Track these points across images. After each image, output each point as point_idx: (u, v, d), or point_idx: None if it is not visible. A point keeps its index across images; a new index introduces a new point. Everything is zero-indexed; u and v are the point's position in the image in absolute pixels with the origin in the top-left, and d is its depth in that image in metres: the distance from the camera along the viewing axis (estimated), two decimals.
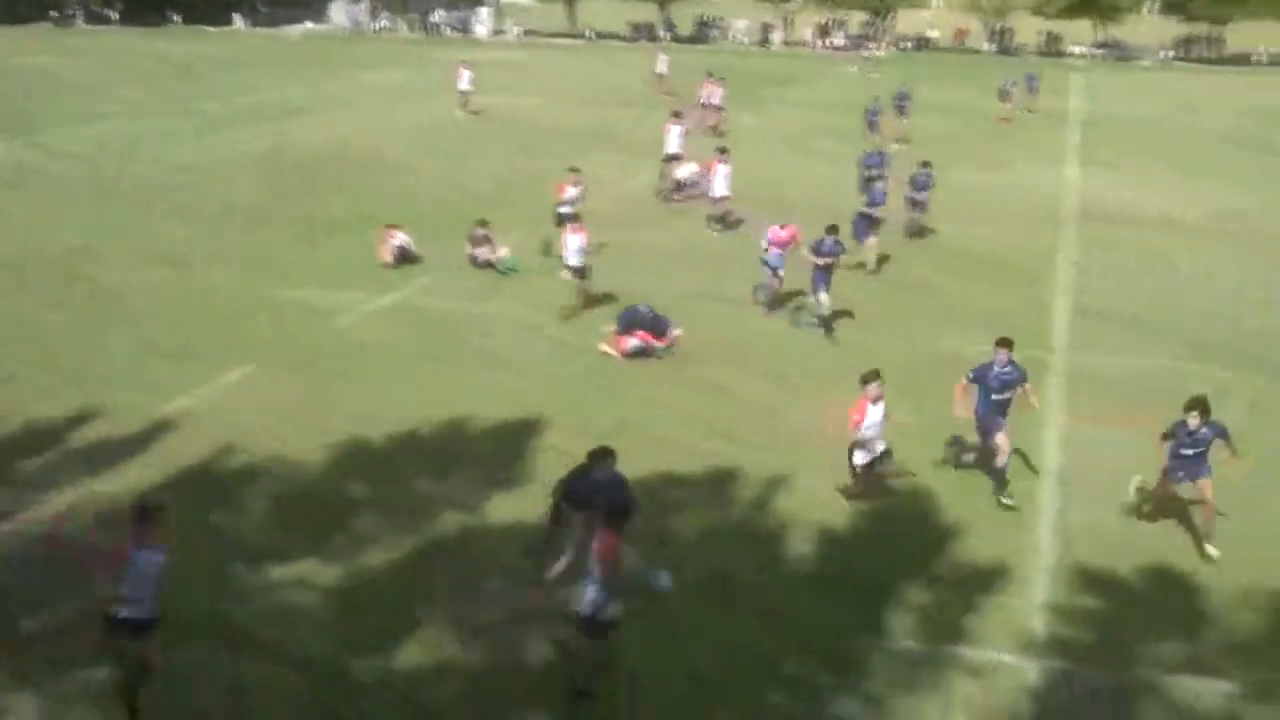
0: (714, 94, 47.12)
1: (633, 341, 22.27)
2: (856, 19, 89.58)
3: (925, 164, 31.76)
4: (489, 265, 27.52)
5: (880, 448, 16.72)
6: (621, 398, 20.48)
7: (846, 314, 24.48)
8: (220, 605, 13.81)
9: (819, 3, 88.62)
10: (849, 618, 12.06)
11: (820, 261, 23.54)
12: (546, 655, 13.06)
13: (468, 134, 46.25)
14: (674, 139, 36.24)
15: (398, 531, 15.67)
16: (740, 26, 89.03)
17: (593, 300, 24.40)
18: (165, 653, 11.60)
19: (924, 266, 29.07)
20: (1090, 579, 15.10)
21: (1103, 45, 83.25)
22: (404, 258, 27.79)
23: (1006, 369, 16.94)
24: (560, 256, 24.94)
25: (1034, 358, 22.20)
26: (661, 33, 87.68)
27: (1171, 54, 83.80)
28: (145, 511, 11.74)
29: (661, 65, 59.83)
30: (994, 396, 16.90)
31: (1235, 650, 13.76)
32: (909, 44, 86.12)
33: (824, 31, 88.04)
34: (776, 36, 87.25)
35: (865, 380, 16.45)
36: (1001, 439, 16.80)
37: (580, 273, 24.50)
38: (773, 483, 17.25)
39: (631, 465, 16.61)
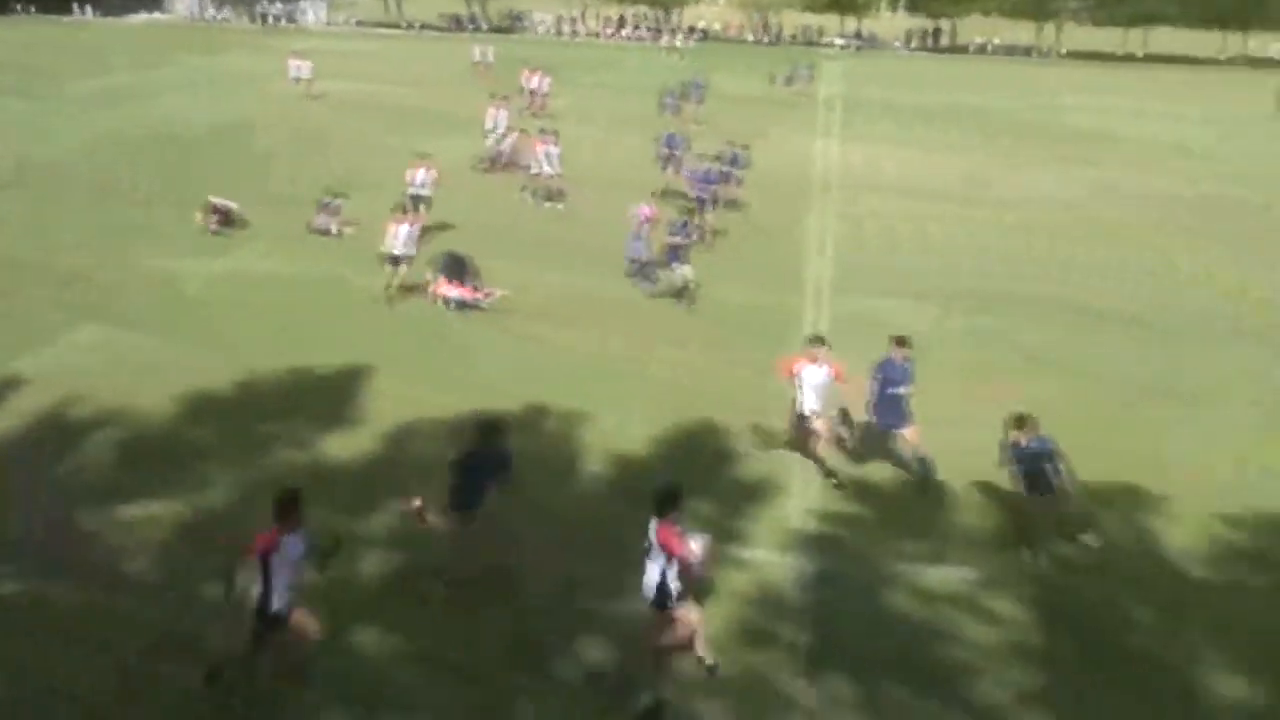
0: (539, 81, 45.63)
1: (454, 291, 21.75)
2: (643, 13, 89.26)
3: (745, 146, 31.31)
4: (327, 233, 26.50)
5: (819, 406, 15.60)
6: (446, 345, 20.12)
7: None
8: (73, 543, 13.21)
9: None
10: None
11: (679, 240, 23.53)
12: (374, 570, 12.88)
13: (306, 116, 44.23)
14: (495, 122, 35.52)
15: (241, 470, 15.14)
16: (543, 19, 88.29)
17: (411, 289, 22.54)
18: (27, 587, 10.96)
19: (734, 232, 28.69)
20: (850, 489, 15.35)
21: (856, 36, 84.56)
22: (227, 223, 26.65)
23: (905, 364, 15.49)
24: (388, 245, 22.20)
25: (793, 304, 23.08)
26: (472, 25, 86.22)
27: (914, 45, 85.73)
28: (291, 497, 10.71)
29: (479, 54, 58.63)
30: (889, 391, 15.43)
31: (971, 543, 14.11)
32: (691, 36, 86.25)
33: (620, 24, 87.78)
34: (578, 29, 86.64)
35: (811, 342, 16.00)
36: (909, 432, 15.57)
37: (397, 261, 21.90)
38: (578, 417, 17.06)
39: (454, 408, 16.48)
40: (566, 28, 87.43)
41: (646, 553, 11.04)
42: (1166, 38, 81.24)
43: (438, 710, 10.90)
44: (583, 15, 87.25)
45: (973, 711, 11.13)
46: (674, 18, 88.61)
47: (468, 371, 18.75)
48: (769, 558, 13.66)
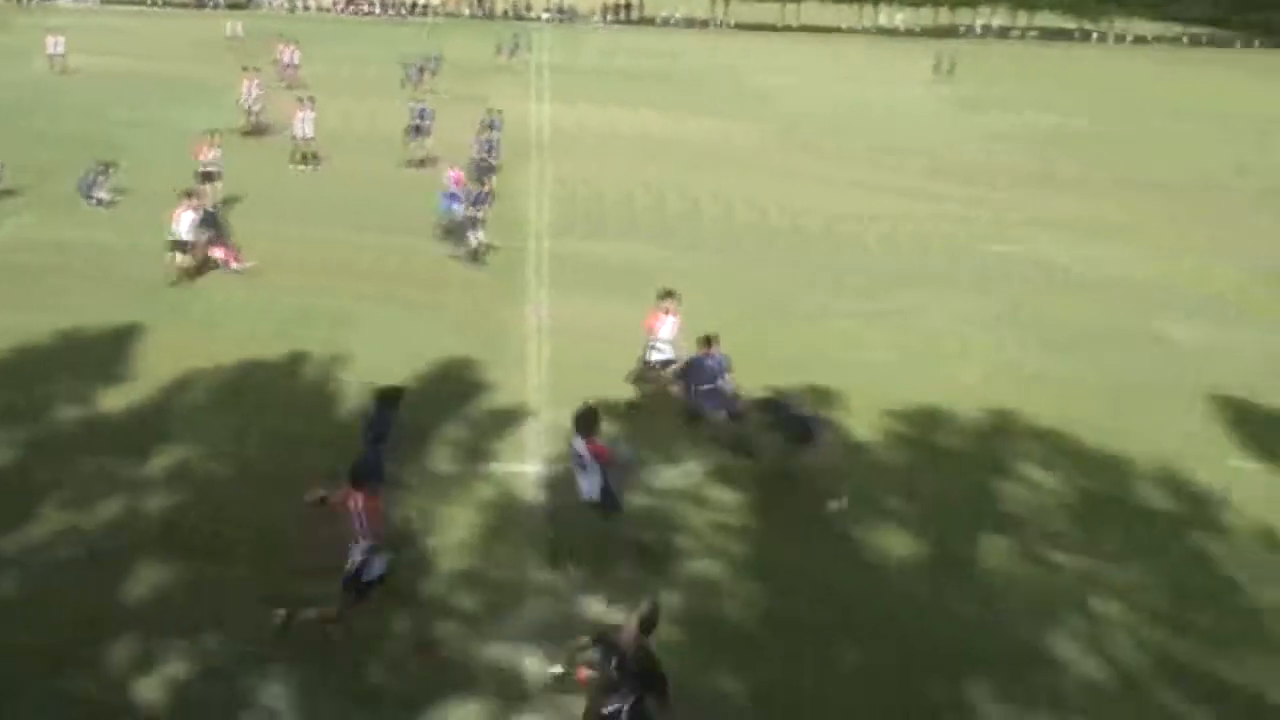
0: (290, 54, 43.05)
1: (217, 252, 20.70)
2: None
3: (497, 111, 30.52)
4: (99, 202, 24.50)
5: (670, 353, 15.22)
6: (211, 303, 19.20)
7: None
8: None
9: None
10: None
11: (475, 212, 22.15)
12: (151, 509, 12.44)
13: (65, 90, 40.53)
14: (249, 92, 33.48)
15: (22, 425, 14.23)
16: None
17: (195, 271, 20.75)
18: None
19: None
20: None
21: (559, 11, 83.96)
22: None
23: (715, 361, 14.52)
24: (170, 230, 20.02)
25: (519, 247, 23.11)
26: (211, 2, 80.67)
27: (609, 18, 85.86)
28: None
29: (231, 29, 55.24)
30: (703, 388, 14.61)
31: (697, 445, 14.53)
32: (405, 11, 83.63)
33: (349, 0, 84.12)
34: (309, 4, 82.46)
35: (661, 296, 15.46)
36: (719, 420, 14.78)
37: (183, 247, 19.90)
38: (337, 360, 16.71)
39: (219, 358, 15.97)
40: (299, 3, 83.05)
41: (582, 468, 11.42)
42: (814, 10, 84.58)
43: None
44: None
45: (692, 583, 11.57)
46: None
47: (234, 325, 17.92)
48: (515, 469, 13.72)
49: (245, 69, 35.04)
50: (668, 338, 15.25)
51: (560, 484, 13.16)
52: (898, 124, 42.20)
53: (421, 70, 44.07)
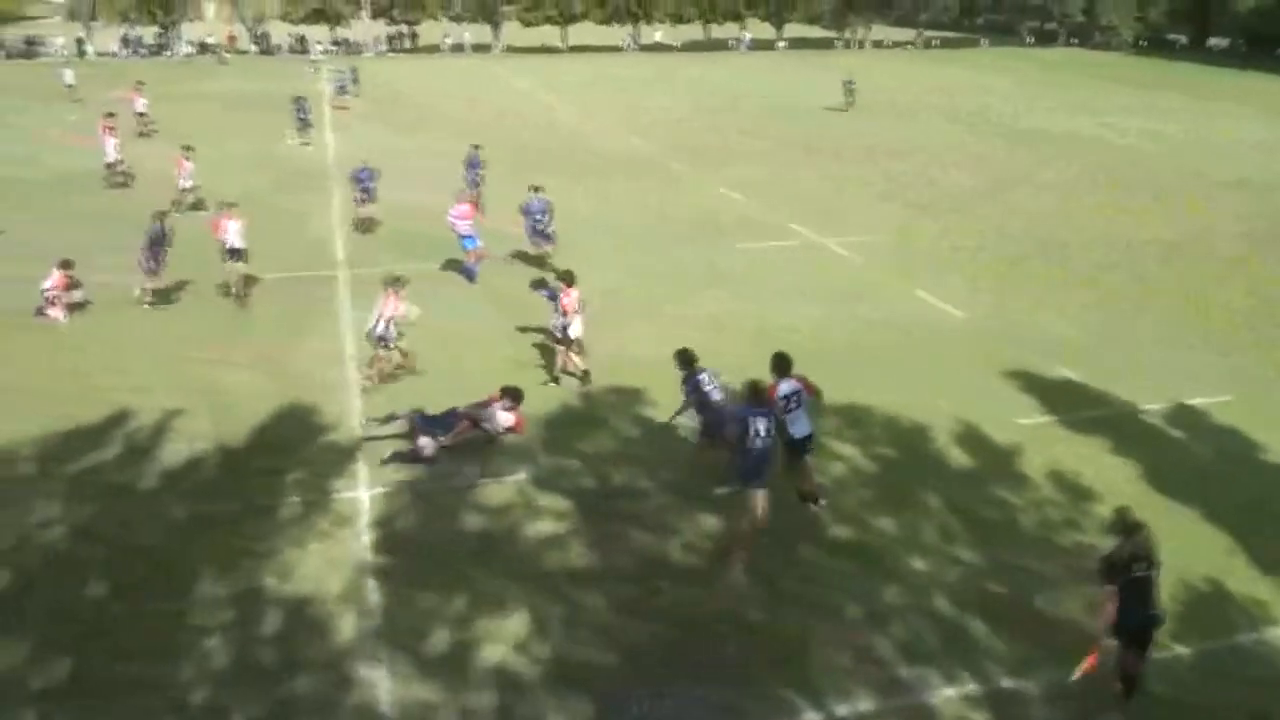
0: (140, 102, 39.84)
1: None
2: (151, 30, 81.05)
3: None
4: None
5: (579, 328, 16.46)
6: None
7: None
8: None
9: (118, 19, 79.49)
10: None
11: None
12: None
13: None
14: (107, 145, 30.42)
15: None
16: (59, 42, 77.85)
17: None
18: None
19: None
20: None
21: (336, 43, 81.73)
22: None
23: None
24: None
25: (326, 275, 22.31)
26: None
27: (385, 47, 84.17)
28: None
29: (70, 77, 51.17)
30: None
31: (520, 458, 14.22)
32: (194, 49, 79.60)
33: (126, 42, 79.33)
34: (89, 48, 77.31)
35: (564, 280, 16.52)
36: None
37: (238, 255, 20.09)
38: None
39: None
40: (89, 48, 77.43)
41: (798, 406, 12.25)
42: (587, 30, 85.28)
43: None
44: (89, 35, 78.03)
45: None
46: (174, 33, 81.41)
47: None
48: (349, 495, 13.15)
49: (111, 115, 31.85)
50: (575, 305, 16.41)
51: (391, 503, 12.71)
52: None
53: (343, 88, 46.17)
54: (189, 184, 27.31)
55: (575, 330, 16.46)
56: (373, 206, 25.87)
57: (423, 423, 14.21)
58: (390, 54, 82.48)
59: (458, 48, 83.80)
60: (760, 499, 11.33)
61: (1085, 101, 54.00)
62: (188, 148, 27.69)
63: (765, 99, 54.47)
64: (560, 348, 16.70)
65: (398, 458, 13.95)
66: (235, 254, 20.20)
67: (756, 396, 11.41)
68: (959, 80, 64.05)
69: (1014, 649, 10.26)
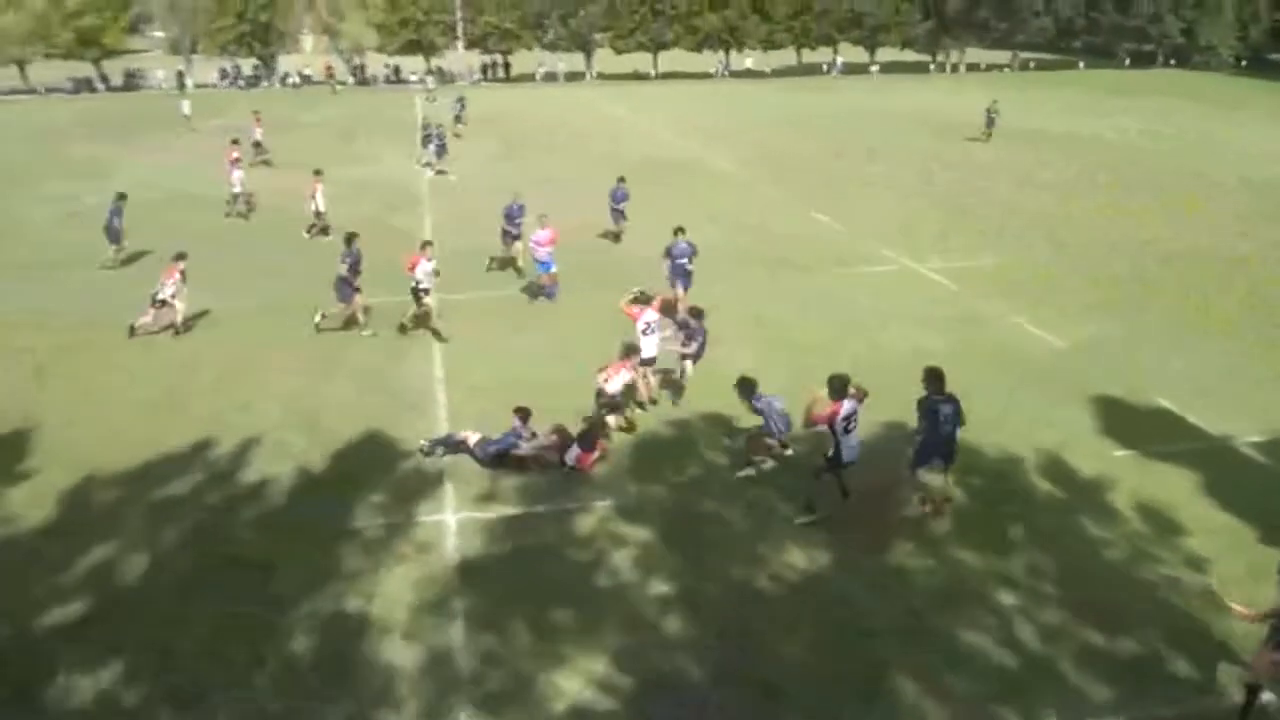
0: (259, 131, 41.25)
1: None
2: (249, 62, 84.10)
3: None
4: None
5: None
6: None
7: None
8: None
9: (218, 52, 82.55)
10: None
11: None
12: None
13: None
14: (235, 176, 30.64)
15: None
16: (160, 75, 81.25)
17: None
18: None
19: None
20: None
21: (431, 73, 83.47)
22: None
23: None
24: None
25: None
26: (103, 84, 78.01)
27: (479, 76, 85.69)
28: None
29: (187, 108, 53.78)
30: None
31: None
32: (298, 79, 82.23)
33: (224, 74, 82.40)
34: (189, 81, 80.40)
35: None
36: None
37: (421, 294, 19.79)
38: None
39: None
40: (189, 81, 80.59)
41: (853, 429, 12.65)
42: (671, 58, 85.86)
43: None
44: (189, 68, 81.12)
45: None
46: (272, 65, 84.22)
47: None
48: (439, 519, 13.34)
49: (235, 142, 32.76)
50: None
51: (475, 529, 12.87)
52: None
53: (459, 117, 47.94)
54: (322, 208, 27.81)
55: (649, 351, 16.45)
56: (519, 245, 24.16)
57: (482, 454, 14.58)
58: (484, 83, 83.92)
59: (550, 76, 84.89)
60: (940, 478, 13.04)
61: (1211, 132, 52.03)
62: (319, 172, 28.45)
63: (882, 123, 54.09)
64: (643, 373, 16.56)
65: (441, 444, 14.80)
66: (422, 293, 19.69)
67: (937, 384, 12.67)
68: (1081, 103, 62.75)
69: (1097, 689, 10.04)
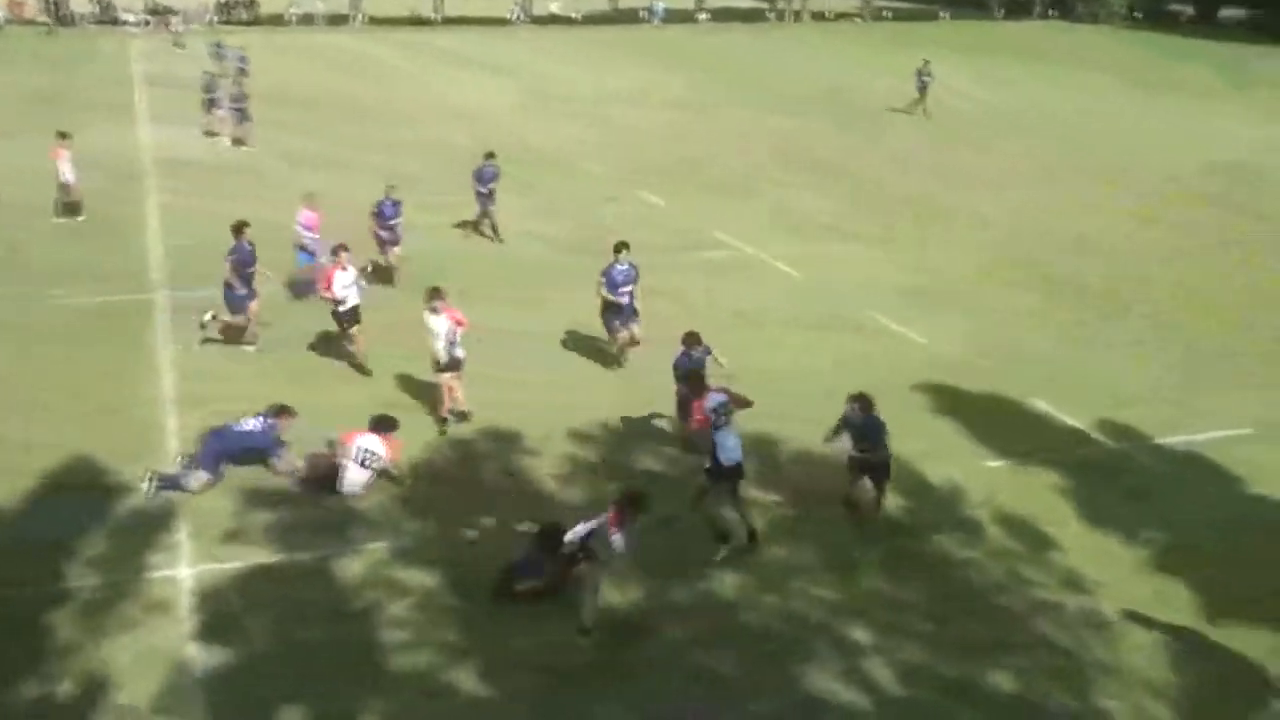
0: None
1: None
2: None
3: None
4: None
5: (355, 301, 18.47)
6: None
7: None
8: None
9: None
10: None
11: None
12: None
13: None
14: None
15: None
16: None
17: None
18: None
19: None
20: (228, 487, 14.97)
21: (155, 11, 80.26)
22: None
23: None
24: None
25: (141, 300, 22.17)
26: None
27: (216, 17, 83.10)
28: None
29: None
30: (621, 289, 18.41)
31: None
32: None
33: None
34: None
35: (335, 251, 18.65)
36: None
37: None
38: None
39: None
40: None
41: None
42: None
43: None
44: None
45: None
46: None
47: None
48: (171, 574, 13.04)
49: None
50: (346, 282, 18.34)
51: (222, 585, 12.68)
52: None
53: (244, 69, 44.48)
54: (72, 179, 27.00)
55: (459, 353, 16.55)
56: (397, 251, 23.40)
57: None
58: (224, 25, 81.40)
59: (307, 19, 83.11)
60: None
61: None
62: (64, 135, 27.33)
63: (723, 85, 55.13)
64: (444, 379, 16.63)
65: (164, 481, 14.64)
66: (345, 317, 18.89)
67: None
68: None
69: None
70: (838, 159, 38.01)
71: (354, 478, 14.69)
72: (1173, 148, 41.36)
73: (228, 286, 19.49)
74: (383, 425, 15.01)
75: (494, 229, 26.89)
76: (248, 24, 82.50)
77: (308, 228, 22.18)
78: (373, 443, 14.81)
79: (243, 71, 44.66)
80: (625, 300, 18.61)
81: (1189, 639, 12.08)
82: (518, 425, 16.67)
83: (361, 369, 18.77)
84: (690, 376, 15.35)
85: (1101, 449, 16.71)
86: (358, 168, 32.00)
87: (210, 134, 38.64)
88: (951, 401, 18.07)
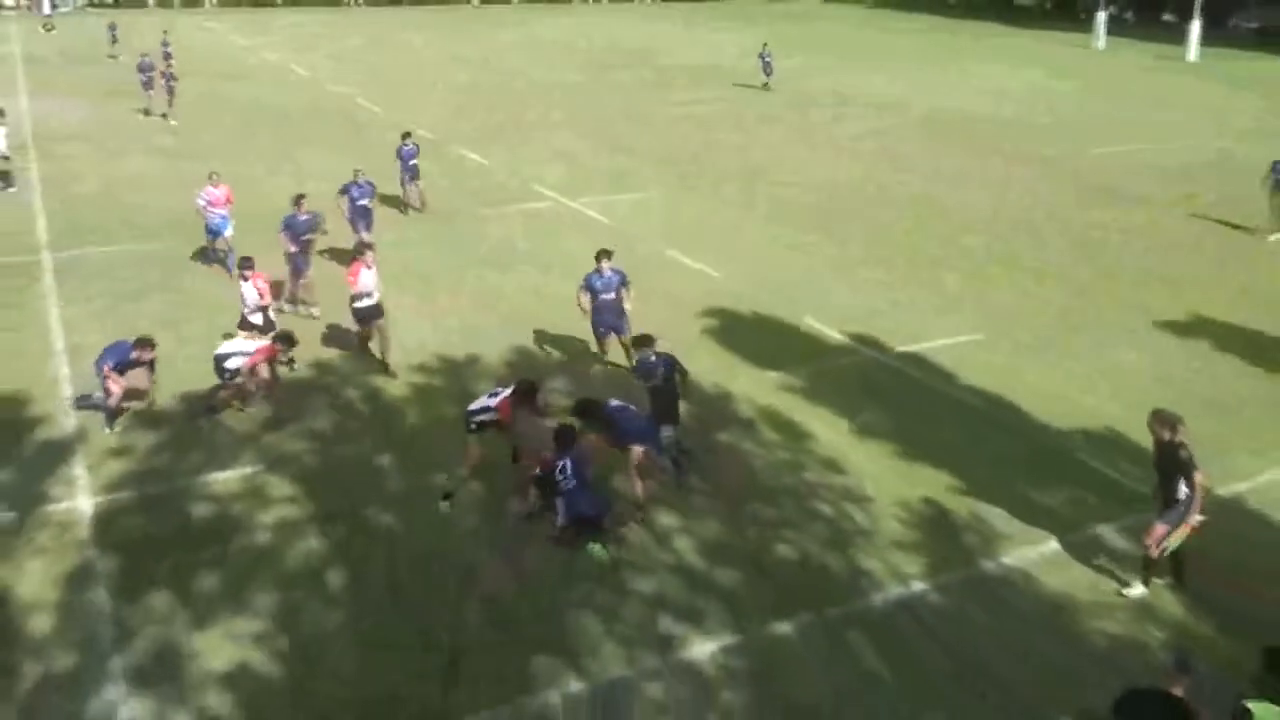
0: None
1: None
2: None
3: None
4: None
5: (377, 297, 16.24)
6: None
7: None
8: None
9: None
10: None
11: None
12: None
13: None
14: None
15: None
16: None
17: None
18: None
19: None
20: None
21: None
22: None
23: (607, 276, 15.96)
24: None
25: (25, 262, 21.11)
26: None
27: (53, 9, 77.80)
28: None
29: None
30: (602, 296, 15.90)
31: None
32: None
33: None
34: None
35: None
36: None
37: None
38: None
39: None
40: None
41: None
42: None
43: None
44: None
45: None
46: None
47: None
48: (69, 506, 12.60)
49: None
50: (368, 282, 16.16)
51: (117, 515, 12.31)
52: None
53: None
54: (5, 150, 25.68)
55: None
56: (366, 236, 20.92)
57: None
58: (92, 8, 76.53)
59: (165, 2, 78.84)
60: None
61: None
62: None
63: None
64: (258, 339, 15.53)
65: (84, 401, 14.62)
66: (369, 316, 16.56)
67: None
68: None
69: (761, 596, 11.08)
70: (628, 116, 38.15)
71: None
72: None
73: (288, 255, 18.51)
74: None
75: (421, 202, 25.23)
76: (109, 6, 77.87)
77: (214, 205, 20.61)
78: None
79: (168, 55, 41.47)
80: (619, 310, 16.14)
81: (930, 505, 12.77)
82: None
83: (385, 369, 16.30)
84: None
85: (856, 357, 17.35)
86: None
87: (146, 112, 36.77)
88: (734, 324, 18.58)
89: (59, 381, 15.81)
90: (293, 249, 18.46)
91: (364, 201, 20.93)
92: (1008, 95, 44.35)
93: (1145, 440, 11.25)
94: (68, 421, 14.60)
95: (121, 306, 18.71)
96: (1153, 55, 58.32)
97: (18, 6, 70.74)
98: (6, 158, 26.31)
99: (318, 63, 51.43)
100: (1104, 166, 31.15)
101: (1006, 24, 76.95)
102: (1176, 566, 11.08)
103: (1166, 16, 75.35)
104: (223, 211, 20.61)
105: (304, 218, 18.59)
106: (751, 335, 18.02)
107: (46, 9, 67.11)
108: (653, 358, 13.20)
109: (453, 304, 19.19)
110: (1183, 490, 10.65)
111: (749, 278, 20.77)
